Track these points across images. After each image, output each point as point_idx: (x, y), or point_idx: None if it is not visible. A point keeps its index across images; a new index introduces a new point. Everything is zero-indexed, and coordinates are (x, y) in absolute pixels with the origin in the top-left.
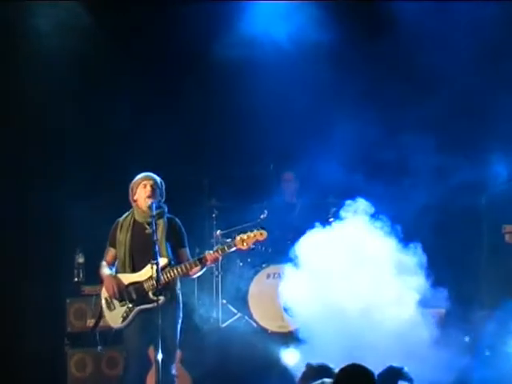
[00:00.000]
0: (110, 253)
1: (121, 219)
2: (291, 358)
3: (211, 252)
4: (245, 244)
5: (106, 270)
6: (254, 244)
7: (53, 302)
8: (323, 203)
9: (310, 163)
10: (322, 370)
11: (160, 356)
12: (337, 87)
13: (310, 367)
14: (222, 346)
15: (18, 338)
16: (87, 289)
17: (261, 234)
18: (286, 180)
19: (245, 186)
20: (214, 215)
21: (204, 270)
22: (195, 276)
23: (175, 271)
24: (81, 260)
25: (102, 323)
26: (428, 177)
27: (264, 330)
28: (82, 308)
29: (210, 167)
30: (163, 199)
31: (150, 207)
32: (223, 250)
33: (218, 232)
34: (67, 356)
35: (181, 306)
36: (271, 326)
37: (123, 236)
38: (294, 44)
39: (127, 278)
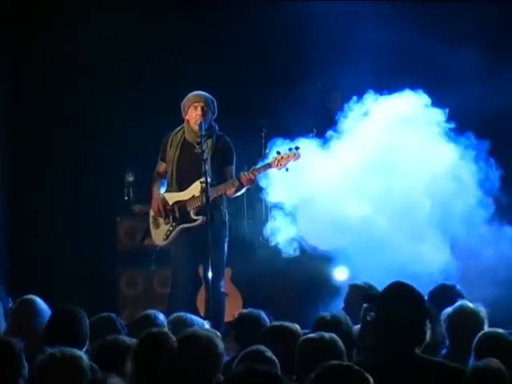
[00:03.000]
0: (161, 166)
1: (172, 134)
2: (341, 275)
3: (246, 173)
4: (279, 164)
5: (155, 188)
6: (287, 163)
7: (103, 221)
8: None
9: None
10: (366, 290)
11: (208, 274)
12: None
13: (354, 287)
14: (271, 264)
15: (68, 256)
16: (137, 207)
17: (294, 154)
18: (333, 100)
19: (292, 105)
20: (262, 134)
21: (243, 190)
22: (233, 196)
23: (215, 192)
24: (130, 179)
25: (147, 241)
26: None
27: (313, 248)
28: (132, 226)
29: (258, 86)
30: (214, 116)
31: (199, 128)
32: (258, 170)
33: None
34: (118, 274)
35: (227, 224)
36: (321, 244)
37: (172, 152)
38: None
39: (172, 197)
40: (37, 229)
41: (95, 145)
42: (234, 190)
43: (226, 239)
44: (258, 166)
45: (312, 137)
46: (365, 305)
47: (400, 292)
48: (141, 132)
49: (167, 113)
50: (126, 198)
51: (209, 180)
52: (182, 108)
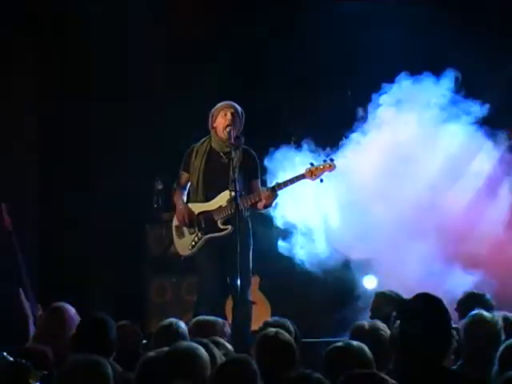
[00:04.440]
0: (184, 177)
1: (197, 145)
2: (370, 284)
3: (265, 190)
4: (313, 175)
5: (178, 198)
6: (321, 174)
7: (133, 228)
8: None
9: None
10: (393, 299)
11: (235, 282)
12: None
13: (380, 295)
14: (300, 272)
15: (98, 264)
16: (166, 215)
17: (329, 165)
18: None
19: (324, 113)
20: (291, 142)
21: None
22: (262, 211)
23: (241, 204)
24: (160, 187)
25: (171, 251)
26: None
27: (342, 256)
28: (161, 234)
29: (288, 96)
30: (241, 127)
31: (228, 135)
32: (291, 181)
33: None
34: (147, 282)
35: (251, 232)
36: (349, 252)
37: (198, 162)
38: None
39: (198, 208)
40: (67, 236)
41: (124, 152)
42: (263, 203)
43: (251, 247)
44: (289, 178)
45: (292, 145)
46: (394, 314)
47: (425, 304)
48: (171, 141)
49: (196, 125)
50: (156, 206)
51: (238, 188)
52: (210, 117)
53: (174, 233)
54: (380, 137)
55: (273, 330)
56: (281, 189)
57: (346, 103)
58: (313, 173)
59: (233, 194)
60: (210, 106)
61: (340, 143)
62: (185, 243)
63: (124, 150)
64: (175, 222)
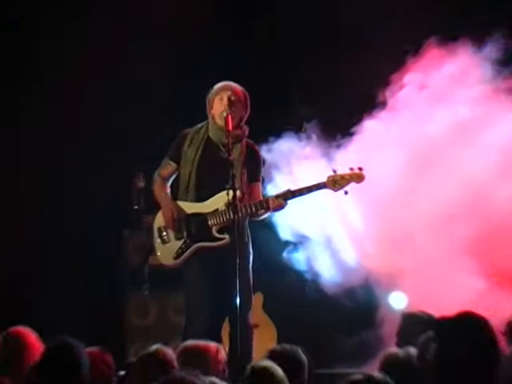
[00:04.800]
0: (169, 167)
1: (192, 131)
2: (398, 302)
3: (274, 198)
4: (337, 185)
5: (161, 190)
6: (346, 185)
7: (108, 235)
8: None
9: None
10: (425, 321)
11: (232, 302)
12: None
13: (409, 317)
14: (312, 288)
15: (66, 279)
16: (149, 218)
17: (357, 176)
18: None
19: (337, 95)
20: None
21: (267, 214)
22: (260, 218)
23: (243, 210)
24: (141, 184)
25: (151, 259)
26: None
27: (362, 270)
28: (142, 241)
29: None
30: (246, 114)
31: (225, 122)
32: (308, 189)
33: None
34: (126, 300)
35: (250, 242)
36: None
37: (192, 152)
38: None
39: (189, 207)
40: (26, 244)
41: (98, 142)
42: (263, 211)
43: (251, 258)
44: (306, 186)
45: (302, 133)
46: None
47: (469, 324)
48: (155, 129)
49: (187, 106)
50: (136, 208)
51: (238, 192)
52: (207, 103)
53: (155, 236)
54: (405, 126)
55: (262, 364)
56: (293, 198)
57: (364, 84)
58: (336, 182)
59: (225, 199)
60: (204, 88)
61: (354, 131)
62: (169, 250)
63: (96, 141)
64: (159, 222)
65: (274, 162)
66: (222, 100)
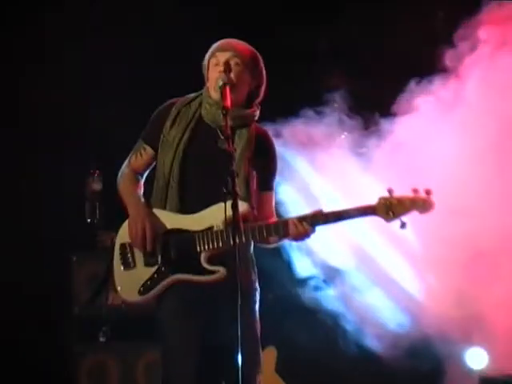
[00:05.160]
0: (144, 154)
1: (179, 103)
2: (476, 361)
3: (297, 221)
4: (391, 213)
5: (131, 190)
6: (406, 214)
7: (50, 260)
8: None
9: None
10: None
11: (233, 362)
12: None
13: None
14: (343, 342)
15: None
16: (107, 237)
17: (423, 201)
18: None
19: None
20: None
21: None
22: (272, 246)
23: (250, 234)
24: (97, 187)
25: (112, 298)
26: None
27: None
28: (98, 270)
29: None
30: (258, 88)
31: (222, 96)
32: (348, 213)
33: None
34: (75, 358)
35: (256, 281)
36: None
37: (176, 133)
38: None
39: (169, 219)
40: None
41: (39, 129)
42: (276, 238)
43: (257, 304)
44: (347, 209)
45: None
46: None
47: None
48: (119, 110)
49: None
50: (89, 221)
51: (243, 205)
52: (203, 70)
53: (116, 257)
54: (479, 103)
55: None
56: (326, 223)
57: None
58: (391, 208)
59: (221, 213)
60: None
61: (400, 110)
62: (134, 279)
63: (38, 126)
64: (123, 237)
65: (283, 153)
66: (217, 64)
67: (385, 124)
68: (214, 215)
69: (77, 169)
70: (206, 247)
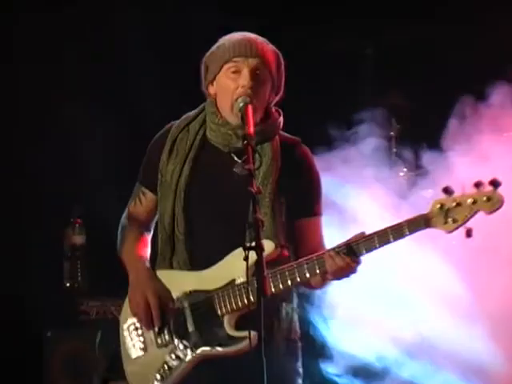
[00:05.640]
0: (143, 200)
1: (173, 127)
2: None
3: (333, 252)
4: (452, 220)
5: (133, 250)
6: (470, 219)
7: (18, 338)
8: None
9: None
10: None
11: None
12: None
13: None
14: None
15: None
16: (92, 308)
17: (490, 199)
18: None
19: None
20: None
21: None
22: (321, 289)
23: (281, 279)
24: (79, 239)
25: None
26: None
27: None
28: (78, 353)
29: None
30: (278, 93)
31: (241, 115)
32: (382, 240)
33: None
34: None
35: (299, 347)
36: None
37: (174, 167)
38: None
39: (180, 280)
40: None
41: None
42: (323, 278)
43: (300, 379)
44: (395, 226)
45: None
46: None
47: None
48: (108, 140)
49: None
50: (68, 285)
51: (268, 243)
52: (202, 70)
53: (125, 341)
54: None
55: None
56: (371, 250)
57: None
58: (449, 214)
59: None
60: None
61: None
62: (147, 367)
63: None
64: (127, 315)
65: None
66: (237, 72)
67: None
68: (235, 265)
69: (54, 216)
70: (229, 308)
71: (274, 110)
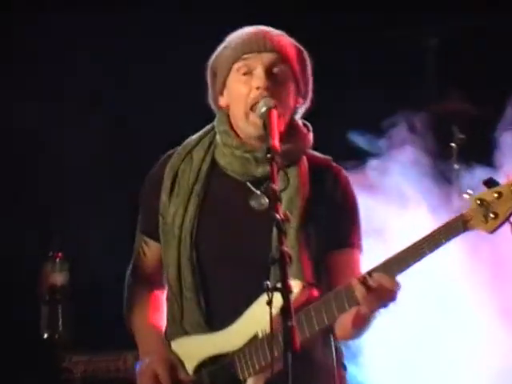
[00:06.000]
0: (147, 251)
1: (172, 157)
2: None
3: (367, 276)
4: (490, 216)
5: (136, 315)
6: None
7: None
8: None
9: None
10: None
11: None
12: None
13: None
14: None
15: None
16: (77, 363)
17: None
18: None
19: None
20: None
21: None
22: (360, 331)
23: (307, 322)
24: (60, 278)
25: None
26: None
27: None
28: None
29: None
30: (305, 99)
31: (265, 127)
32: (417, 253)
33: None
34: None
35: None
36: None
37: (176, 208)
38: None
39: (193, 347)
40: None
41: None
42: (361, 313)
43: None
44: (419, 240)
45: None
46: None
47: None
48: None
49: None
50: (46, 337)
51: (297, 284)
52: (208, 76)
53: None
54: None
55: None
56: (406, 267)
57: None
58: (490, 209)
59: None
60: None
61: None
62: None
63: None
64: None
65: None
66: (248, 73)
67: None
68: (256, 317)
69: (30, 249)
70: (251, 370)
71: (301, 123)
